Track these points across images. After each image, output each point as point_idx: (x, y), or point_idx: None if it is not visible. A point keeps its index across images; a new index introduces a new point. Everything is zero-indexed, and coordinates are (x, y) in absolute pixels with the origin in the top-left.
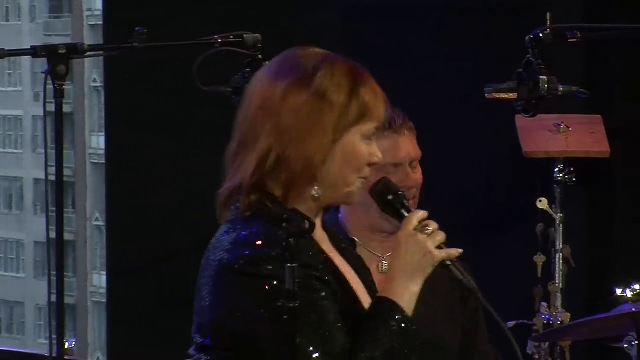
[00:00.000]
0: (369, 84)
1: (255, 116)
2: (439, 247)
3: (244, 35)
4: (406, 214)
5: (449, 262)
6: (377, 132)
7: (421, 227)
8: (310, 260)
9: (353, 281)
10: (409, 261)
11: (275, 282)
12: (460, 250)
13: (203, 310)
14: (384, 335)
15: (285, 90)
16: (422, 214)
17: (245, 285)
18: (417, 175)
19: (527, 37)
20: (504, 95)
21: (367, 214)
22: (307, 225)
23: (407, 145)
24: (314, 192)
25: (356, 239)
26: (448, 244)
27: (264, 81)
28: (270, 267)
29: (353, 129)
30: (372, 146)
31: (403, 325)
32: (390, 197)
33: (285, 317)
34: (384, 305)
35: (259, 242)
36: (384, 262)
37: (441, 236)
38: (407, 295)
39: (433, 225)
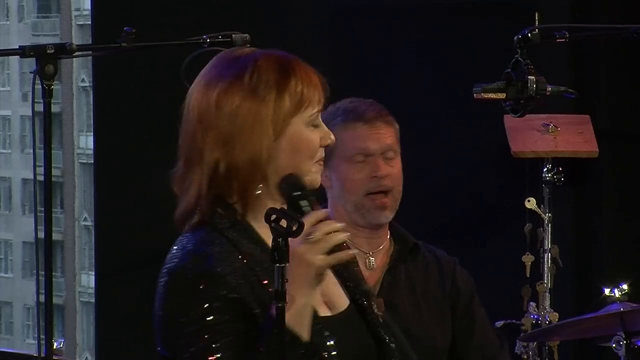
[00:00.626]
0: (299, 72)
1: (195, 131)
2: (335, 251)
3: (233, 35)
4: (307, 212)
5: (341, 267)
6: (350, 123)
7: (304, 235)
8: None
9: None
10: (292, 273)
11: (208, 283)
12: (351, 252)
13: (154, 318)
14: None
15: (217, 98)
16: (316, 216)
17: (185, 290)
18: (393, 168)
19: (515, 37)
20: (492, 95)
21: (344, 209)
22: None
23: (380, 137)
24: (258, 191)
25: None
26: (434, 242)
27: (197, 93)
28: (205, 269)
29: (294, 119)
30: (320, 129)
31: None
32: (295, 194)
33: (212, 317)
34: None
35: (195, 248)
36: (371, 258)
37: (328, 242)
38: (292, 309)
39: (322, 229)
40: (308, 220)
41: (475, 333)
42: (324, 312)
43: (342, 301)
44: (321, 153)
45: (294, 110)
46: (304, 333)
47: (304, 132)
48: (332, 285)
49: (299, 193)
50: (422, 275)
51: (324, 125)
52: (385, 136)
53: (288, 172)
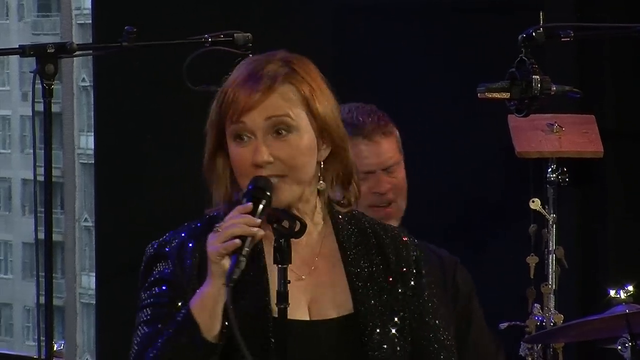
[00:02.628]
0: (235, 82)
1: None
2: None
3: (235, 35)
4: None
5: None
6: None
7: (216, 226)
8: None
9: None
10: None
11: (157, 276)
12: (237, 242)
13: None
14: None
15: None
16: (238, 208)
17: (142, 284)
18: (396, 179)
19: (519, 37)
20: (496, 95)
21: None
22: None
23: (380, 152)
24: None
25: None
26: (438, 243)
27: None
28: (158, 266)
29: (226, 130)
30: (244, 146)
31: (182, 325)
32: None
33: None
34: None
35: (157, 244)
36: None
37: (226, 232)
38: (198, 296)
39: (229, 220)
40: (231, 214)
41: (472, 334)
42: (301, 316)
43: (333, 309)
44: (251, 172)
45: (219, 120)
46: (205, 323)
47: (230, 146)
48: (329, 289)
49: (258, 192)
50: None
51: (248, 142)
52: (385, 150)
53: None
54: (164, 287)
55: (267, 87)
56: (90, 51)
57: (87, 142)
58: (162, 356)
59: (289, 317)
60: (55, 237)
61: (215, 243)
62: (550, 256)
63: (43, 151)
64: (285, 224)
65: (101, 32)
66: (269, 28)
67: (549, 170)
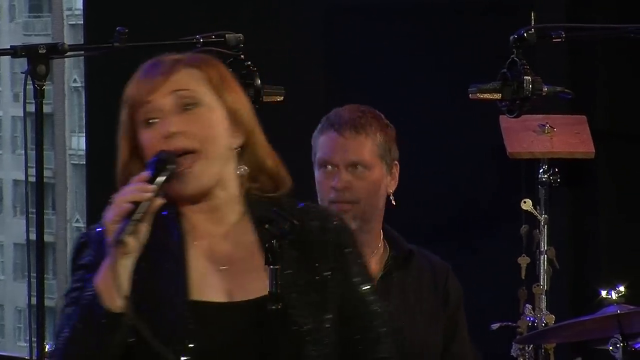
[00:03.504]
0: (139, 74)
1: None
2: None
3: (226, 35)
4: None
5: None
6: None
7: (113, 198)
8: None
9: (199, 274)
10: None
11: (81, 263)
12: (127, 205)
13: None
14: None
15: None
16: (134, 179)
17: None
18: (361, 181)
19: (511, 37)
20: (488, 96)
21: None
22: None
23: (347, 148)
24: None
25: None
26: (430, 243)
27: None
28: (83, 252)
29: (137, 127)
30: (154, 127)
31: (88, 299)
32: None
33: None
34: None
35: (84, 233)
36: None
37: (118, 200)
38: (101, 269)
39: (122, 192)
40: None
41: (455, 343)
42: (218, 297)
43: (252, 292)
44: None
45: (129, 118)
46: (107, 295)
47: (141, 135)
48: (248, 275)
49: (159, 163)
50: (416, 281)
51: (154, 127)
52: (352, 146)
53: None
54: (86, 274)
55: (170, 67)
56: (82, 52)
57: (78, 142)
58: (72, 332)
59: (204, 299)
60: (47, 237)
61: (109, 211)
62: (542, 257)
63: (34, 152)
64: (277, 224)
65: (92, 33)
66: (259, 28)
67: (541, 170)
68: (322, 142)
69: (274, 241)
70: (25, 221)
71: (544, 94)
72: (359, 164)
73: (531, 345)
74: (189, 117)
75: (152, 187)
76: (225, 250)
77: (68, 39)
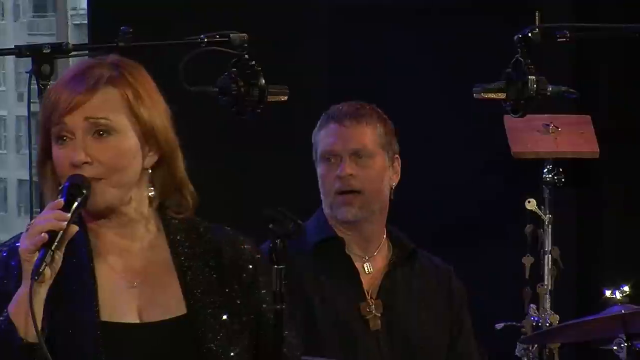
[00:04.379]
0: (62, 83)
1: None
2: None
3: (230, 35)
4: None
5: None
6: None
7: (27, 226)
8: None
9: (109, 292)
10: None
11: None
12: (44, 236)
13: None
14: None
15: None
16: (48, 206)
17: None
18: (364, 169)
19: (515, 37)
20: (492, 96)
21: (326, 212)
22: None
23: (347, 135)
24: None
25: (344, 237)
26: (435, 243)
27: None
28: None
29: (51, 135)
30: (65, 146)
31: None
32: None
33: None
34: None
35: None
36: (367, 263)
37: (33, 228)
38: (15, 298)
39: (39, 217)
40: (42, 211)
41: (461, 343)
42: (131, 319)
43: (165, 312)
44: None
45: (45, 122)
46: (22, 324)
47: (53, 147)
48: (161, 294)
49: (72, 189)
50: (420, 279)
51: (75, 141)
52: (353, 134)
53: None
54: None
55: (88, 88)
56: (86, 51)
57: None
58: None
59: (116, 320)
60: None
61: (25, 240)
62: (546, 256)
63: None
64: (281, 224)
65: (97, 33)
66: (264, 28)
67: (545, 170)
68: (322, 136)
69: (277, 241)
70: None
71: (548, 93)
72: (362, 153)
73: (535, 345)
74: (100, 145)
75: (68, 215)
76: (137, 267)
77: (72, 39)
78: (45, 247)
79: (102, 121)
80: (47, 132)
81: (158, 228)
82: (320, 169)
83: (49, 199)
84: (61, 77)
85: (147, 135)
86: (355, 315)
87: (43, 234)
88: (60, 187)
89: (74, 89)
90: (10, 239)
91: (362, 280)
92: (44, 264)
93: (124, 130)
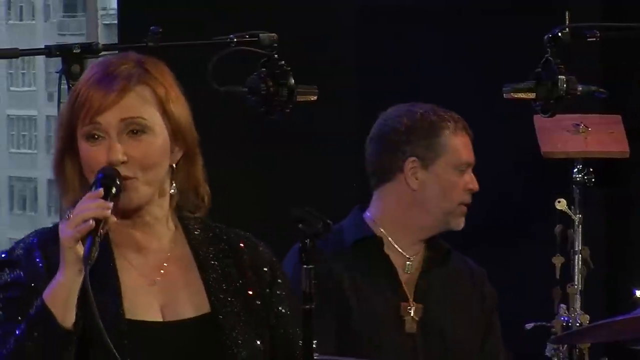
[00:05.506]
0: (88, 82)
1: None
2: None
3: (260, 35)
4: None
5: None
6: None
7: (68, 214)
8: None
9: (131, 290)
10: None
11: (7, 281)
12: (91, 223)
13: None
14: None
15: None
16: (89, 195)
17: None
18: None
19: (545, 37)
20: (522, 95)
21: (427, 212)
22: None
23: (472, 150)
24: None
25: (383, 237)
26: (465, 243)
27: None
28: (7, 271)
29: (77, 129)
30: (97, 144)
31: (36, 315)
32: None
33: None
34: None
35: (6, 252)
36: (409, 262)
37: (77, 217)
38: (51, 286)
39: (79, 206)
40: (82, 200)
41: (489, 342)
42: (153, 318)
43: (189, 310)
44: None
45: (71, 119)
46: (60, 312)
47: (81, 147)
48: (183, 292)
49: (107, 180)
50: (454, 279)
51: (110, 140)
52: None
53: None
54: (15, 291)
55: (122, 87)
56: (116, 51)
57: None
58: (17, 351)
59: (140, 319)
60: None
61: (67, 228)
62: (576, 256)
63: None
64: (309, 224)
65: (126, 32)
66: (294, 28)
67: (575, 170)
68: (460, 145)
69: (307, 241)
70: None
71: (578, 93)
72: None
73: (565, 345)
74: (135, 143)
75: (110, 204)
76: (157, 264)
77: (102, 39)
78: (92, 234)
79: (138, 120)
80: (72, 130)
81: (176, 226)
82: (453, 177)
83: (69, 200)
84: (86, 76)
85: (176, 132)
86: (392, 315)
87: (90, 221)
88: (93, 180)
89: (106, 88)
90: (25, 237)
91: (402, 279)
92: (95, 250)
93: (157, 128)
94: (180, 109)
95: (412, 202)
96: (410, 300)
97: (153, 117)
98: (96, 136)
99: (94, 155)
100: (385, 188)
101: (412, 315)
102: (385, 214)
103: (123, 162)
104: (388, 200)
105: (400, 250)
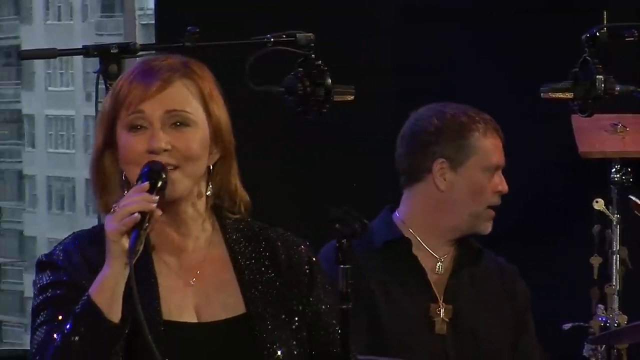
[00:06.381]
0: (130, 77)
1: None
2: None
3: (297, 35)
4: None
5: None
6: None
7: (113, 206)
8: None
9: (167, 291)
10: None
11: (49, 281)
12: (137, 216)
13: None
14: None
15: None
16: (135, 188)
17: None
18: None
19: (583, 36)
20: (560, 95)
21: (455, 215)
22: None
23: (502, 151)
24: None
25: (412, 238)
26: (502, 243)
27: None
28: (49, 272)
29: (118, 122)
30: (139, 134)
31: (83, 310)
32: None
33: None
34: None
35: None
36: (440, 263)
37: (123, 210)
38: (97, 281)
39: (125, 200)
40: (127, 193)
41: (523, 341)
42: (189, 319)
43: (224, 311)
44: (142, 160)
45: (114, 112)
46: (105, 305)
47: (121, 137)
48: (218, 293)
49: (153, 174)
50: (485, 279)
51: (153, 129)
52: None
53: (129, 178)
54: (57, 290)
55: (167, 77)
56: (153, 51)
57: None
58: (65, 348)
59: (176, 319)
60: None
61: (113, 221)
62: (614, 257)
63: None
64: (347, 224)
65: (164, 33)
66: (331, 28)
67: (613, 170)
68: (492, 146)
69: (343, 240)
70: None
71: (616, 93)
72: None
73: (603, 346)
74: (177, 134)
75: (155, 197)
76: (193, 265)
77: (140, 39)
78: (137, 228)
79: (182, 113)
80: (112, 122)
81: (214, 227)
82: (482, 179)
83: (108, 193)
84: (128, 72)
85: (216, 132)
86: (421, 316)
87: (136, 214)
88: (139, 173)
89: (150, 79)
90: (64, 239)
91: (431, 280)
92: (140, 243)
93: (200, 123)
94: (221, 110)
95: (440, 203)
96: (440, 301)
97: (197, 112)
98: (139, 126)
99: (134, 144)
100: (414, 188)
101: (441, 316)
102: (414, 214)
103: (166, 150)
104: (416, 200)
105: (430, 251)
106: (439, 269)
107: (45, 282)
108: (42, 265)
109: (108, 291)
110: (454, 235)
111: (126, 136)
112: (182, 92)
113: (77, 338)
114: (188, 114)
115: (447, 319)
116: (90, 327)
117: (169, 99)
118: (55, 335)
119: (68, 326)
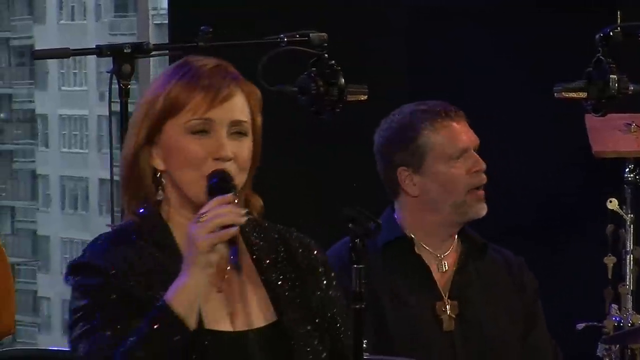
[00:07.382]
0: (186, 77)
1: None
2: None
3: (310, 35)
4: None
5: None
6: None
7: (197, 216)
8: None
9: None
10: (186, 254)
11: (78, 291)
12: (234, 229)
13: None
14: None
15: None
16: (218, 200)
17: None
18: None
19: (597, 36)
20: (573, 95)
21: (439, 214)
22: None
23: (469, 132)
24: (158, 197)
25: (414, 237)
26: (515, 242)
27: None
28: (88, 276)
29: (168, 122)
30: (205, 138)
31: (160, 317)
32: (213, 182)
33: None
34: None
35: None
36: (444, 261)
37: (213, 221)
38: (177, 289)
39: (214, 210)
40: (210, 204)
41: (533, 336)
42: (224, 327)
43: (257, 319)
44: (209, 167)
45: (165, 113)
46: (184, 313)
47: (181, 139)
48: (250, 299)
49: (225, 184)
50: (491, 272)
51: (220, 137)
52: (470, 131)
53: (178, 179)
54: (105, 294)
55: (232, 86)
56: (167, 51)
57: None
58: (142, 352)
59: (210, 328)
60: None
61: (202, 233)
62: (628, 256)
63: (119, 151)
64: (360, 224)
65: (177, 32)
66: (344, 28)
67: (627, 170)
68: (443, 138)
69: (357, 240)
70: (110, 220)
71: (630, 92)
72: (478, 145)
73: (617, 346)
74: (237, 144)
75: (244, 210)
76: (220, 273)
77: (153, 39)
78: (234, 241)
79: (244, 124)
80: (161, 122)
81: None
82: (447, 170)
83: (141, 192)
84: (172, 73)
85: (255, 143)
86: (428, 315)
87: (235, 228)
88: (208, 183)
89: (215, 86)
90: (92, 242)
91: (436, 278)
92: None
93: (250, 136)
94: (260, 127)
95: (422, 207)
96: (445, 298)
97: (250, 124)
98: (205, 131)
99: (197, 149)
100: (397, 200)
101: (448, 313)
102: (407, 220)
103: (231, 160)
104: (404, 209)
105: (431, 250)
106: (442, 266)
107: (85, 288)
108: (79, 267)
109: (188, 300)
110: (450, 230)
111: (188, 139)
112: (242, 102)
113: (156, 342)
114: (248, 125)
115: (453, 315)
116: (168, 335)
117: (235, 108)
118: (121, 338)
119: (143, 330)
